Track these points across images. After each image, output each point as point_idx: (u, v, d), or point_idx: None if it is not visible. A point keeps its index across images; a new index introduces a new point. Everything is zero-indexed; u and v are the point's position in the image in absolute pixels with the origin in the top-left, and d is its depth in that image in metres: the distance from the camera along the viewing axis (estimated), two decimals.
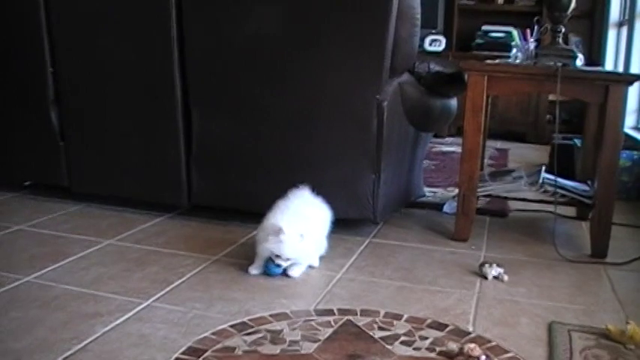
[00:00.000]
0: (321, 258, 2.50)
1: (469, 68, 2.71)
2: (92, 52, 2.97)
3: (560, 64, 2.64)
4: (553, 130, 5.48)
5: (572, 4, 2.69)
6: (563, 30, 2.74)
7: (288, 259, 2.29)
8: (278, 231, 2.24)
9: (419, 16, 2.62)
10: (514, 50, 2.88)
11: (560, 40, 2.75)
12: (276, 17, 2.67)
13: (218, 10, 2.71)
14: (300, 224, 2.28)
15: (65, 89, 3.06)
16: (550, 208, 3.14)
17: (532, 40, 2.85)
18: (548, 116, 6.00)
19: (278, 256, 2.28)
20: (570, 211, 3.25)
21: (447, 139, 5.81)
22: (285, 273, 2.33)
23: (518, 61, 2.83)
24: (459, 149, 5.25)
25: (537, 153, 5.32)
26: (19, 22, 3.04)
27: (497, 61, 2.85)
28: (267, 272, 2.33)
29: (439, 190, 3.71)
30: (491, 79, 2.68)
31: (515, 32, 2.85)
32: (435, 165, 4.47)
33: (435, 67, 2.93)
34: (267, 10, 2.66)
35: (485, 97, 2.70)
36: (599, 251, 2.69)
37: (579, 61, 2.76)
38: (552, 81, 2.60)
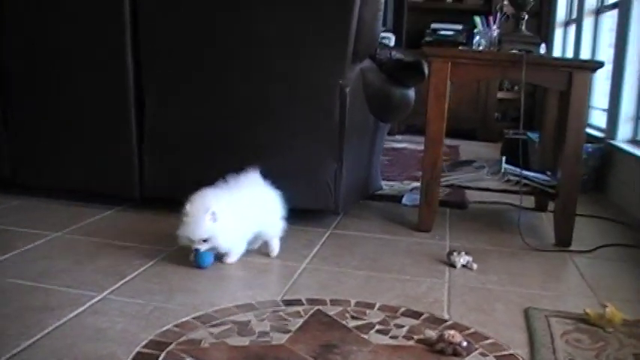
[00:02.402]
0: (282, 249, 2.38)
1: (433, 54, 2.64)
2: (37, 33, 2.80)
3: (524, 50, 2.59)
4: (503, 127, 5.51)
5: None
6: (526, 17, 2.70)
7: (203, 242, 2.14)
8: (184, 212, 2.14)
9: None
10: (477, 37, 2.82)
11: (524, 28, 2.71)
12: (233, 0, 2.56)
13: None
14: (214, 203, 2.14)
15: (7, 74, 2.87)
16: (509, 199, 3.13)
17: (495, 27, 2.79)
18: (496, 114, 6.01)
19: (192, 240, 2.14)
20: (529, 202, 3.21)
21: (396, 136, 5.76)
22: (219, 260, 2.24)
23: (481, 47, 2.78)
24: (409, 146, 5.30)
25: (487, 149, 5.32)
26: None
27: (460, 47, 2.78)
28: (196, 264, 2.18)
29: (395, 183, 3.64)
30: (455, 65, 2.62)
31: (477, 19, 2.79)
32: (389, 160, 4.41)
33: (396, 54, 2.85)
34: None
35: (448, 84, 2.63)
36: (563, 240, 2.66)
37: (542, 49, 2.72)
38: (517, 67, 2.54)
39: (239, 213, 2.20)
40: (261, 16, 2.55)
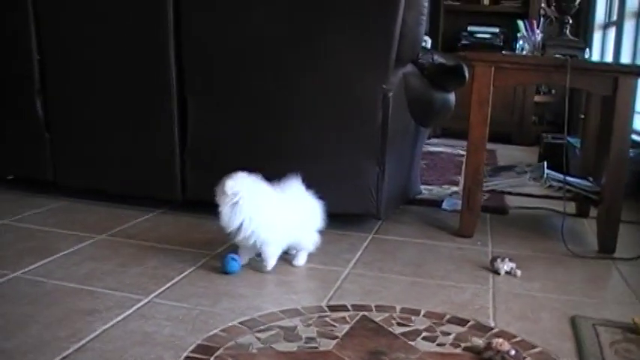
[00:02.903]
0: (325, 253, 2.38)
1: (476, 59, 2.62)
2: (81, 37, 2.83)
3: (568, 55, 2.57)
4: (540, 130, 5.46)
5: None
6: (570, 21, 2.67)
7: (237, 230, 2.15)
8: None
9: (426, 3, 2.52)
10: (520, 41, 2.80)
11: (568, 32, 2.67)
12: (278, 3, 2.56)
13: None
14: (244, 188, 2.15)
15: (52, 77, 2.91)
16: (549, 205, 3.09)
17: (538, 31, 2.76)
18: (533, 117, 5.96)
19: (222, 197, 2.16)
20: (569, 207, 3.17)
21: (433, 140, 5.73)
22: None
23: (524, 52, 2.76)
24: (446, 149, 5.28)
25: (524, 154, 5.27)
26: (3, 4, 2.90)
27: (503, 52, 2.76)
28: (222, 270, 2.19)
29: (434, 188, 3.62)
30: (498, 70, 2.59)
31: (521, 23, 2.77)
32: (426, 164, 4.38)
33: (438, 58, 2.83)
34: None
35: (491, 89, 2.61)
36: (607, 247, 2.62)
37: (587, 54, 2.69)
38: (561, 72, 2.52)
39: (280, 212, 2.20)
40: (304, 21, 2.55)
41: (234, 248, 2.28)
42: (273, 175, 2.37)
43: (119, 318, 1.81)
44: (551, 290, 2.18)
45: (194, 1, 2.65)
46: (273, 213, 2.18)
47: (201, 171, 2.79)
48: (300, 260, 2.31)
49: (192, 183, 2.81)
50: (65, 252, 2.34)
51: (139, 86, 2.79)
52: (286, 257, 2.31)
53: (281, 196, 2.23)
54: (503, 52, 2.77)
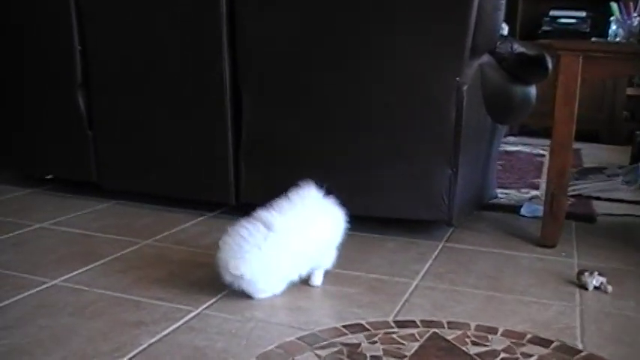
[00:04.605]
0: (391, 263, 2.39)
1: (562, 47, 2.57)
2: (126, 27, 2.88)
3: None
4: (633, 128, 5.34)
5: None
6: None
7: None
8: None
9: None
10: (613, 27, 2.74)
11: None
12: None
13: None
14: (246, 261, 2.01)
15: (95, 71, 2.98)
16: None
17: (635, 14, 2.70)
18: (625, 113, 5.83)
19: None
20: None
21: (508, 138, 5.65)
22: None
23: (618, 39, 2.70)
24: (524, 149, 5.21)
25: (614, 154, 5.15)
26: None
27: (593, 39, 2.71)
28: None
29: (512, 192, 3.57)
30: (587, 60, 2.54)
31: (614, 6, 2.72)
32: (502, 165, 4.33)
33: (518, 47, 2.80)
34: None
35: (579, 82, 2.56)
36: None
37: None
38: None
39: (285, 251, 2.08)
40: (368, 8, 2.55)
41: None
42: (333, 177, 2.38)
43: (167, 331, 1.84)
44: None
45: None
46: (280, 258, 2.08)
47: (256, 173, 2.81)
48: (317, 280, 2.22)
49: (247, 185, 2.83)
50: (109, 258, 2.39)
51: (189, 80, 2.83)
52: (340, 272, 2.31)
53: (289, 227, 2.12)
54: (593, 39, 2.71)
